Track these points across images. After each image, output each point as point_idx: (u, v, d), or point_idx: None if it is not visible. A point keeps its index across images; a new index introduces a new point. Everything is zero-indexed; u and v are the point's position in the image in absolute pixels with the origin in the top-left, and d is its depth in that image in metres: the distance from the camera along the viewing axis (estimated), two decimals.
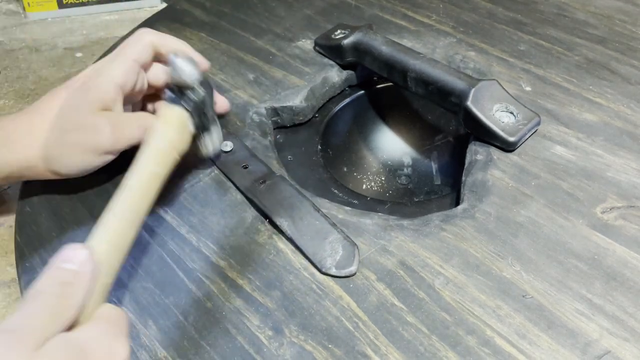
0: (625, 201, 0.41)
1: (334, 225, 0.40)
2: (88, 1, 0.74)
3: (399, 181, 0.58)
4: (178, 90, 0.39)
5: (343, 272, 0.37)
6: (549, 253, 0.38)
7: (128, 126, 0.41)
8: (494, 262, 0.37)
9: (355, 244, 0.39)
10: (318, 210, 0.41)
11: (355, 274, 0.37)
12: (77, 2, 0.73)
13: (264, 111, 0.51)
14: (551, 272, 0.37)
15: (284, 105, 0.52)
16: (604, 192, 0.42)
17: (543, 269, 0.37)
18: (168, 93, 0.40)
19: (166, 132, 0.38)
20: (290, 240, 0.39)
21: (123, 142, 0.40)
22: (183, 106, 0.39)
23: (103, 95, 0.40)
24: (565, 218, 0.40)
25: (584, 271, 0.37)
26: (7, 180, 0.41)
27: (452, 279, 0.37)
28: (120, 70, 0.41)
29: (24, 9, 0.73)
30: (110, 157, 0.41)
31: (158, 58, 0.44)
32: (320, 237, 0.39)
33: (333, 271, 0.37)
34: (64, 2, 0.72)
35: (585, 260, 0.37)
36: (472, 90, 0.46)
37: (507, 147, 0.45)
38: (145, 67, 0.43)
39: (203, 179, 0.45)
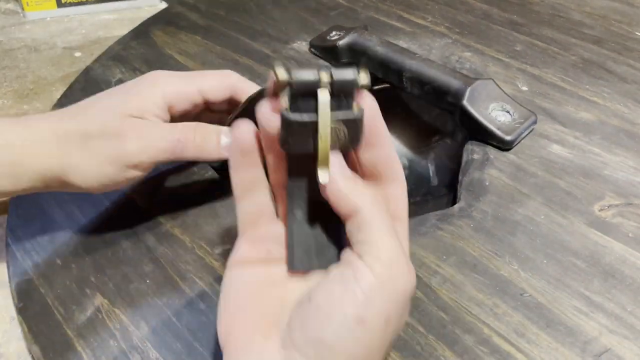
0: (622, 199, 0.41)
1: None
2: (87, 1, 0.74)
3: None
4: None
5: None
6: (546, 251, 0.37)
7: (158, 136, 0.35)
8: (491, 261, 0.37)
9: None
10: None
11: None
12: (76, 1, 0.73)
13: None
14: (549, 270, 0.36)
15: None
16: (602, 190, 0.41)
17: (541, 267, 0.36)
18: None
19: None
20: None
21: (150, 154, 0.35)
22: None
23: (145, 102, 0.36)
24: (562, 216, 0.40)
25: (582, 269, 0.36)
26: (23, 192, 0.36)
27: (449, 277, 0.36)
28: (176, 88, 0.37)
29: (22, 8, 0.73)
30: (135, 173, 0.36)
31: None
32: None
33: None
34: (63, 1, 0.72)
35: (584, 258, 0.37)
36: (468, 90, 0.46)
37: (504, 146, 0.45)
38: (211, 105, 0.39)
39: (198, 180, 0.44)
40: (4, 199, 0.43)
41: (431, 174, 0.58)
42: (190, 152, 0.36)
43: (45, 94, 0.60)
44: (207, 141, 0.37)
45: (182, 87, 0.37)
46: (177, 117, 0.38)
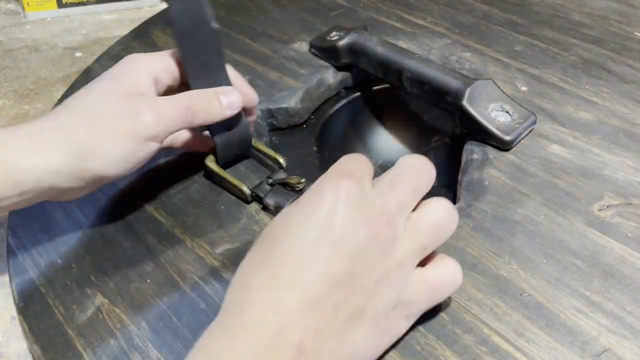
0: (622, 199, 0.41)
1: None
2: (87, 1, 0.74)
3: None
4: None
5: None
6: (546, 251, 0.37)
7: (169, 106, 0.37)
8: (490, 261, 0.37)
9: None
10: None
11: None
12: (77, 1, 0.73)
13: (259, 113, 0.51)
14: (549, 270, 0.36)
15: (279, 106, 0.52)
16: (601, 190, 0.41)
17: (540, 267, 0.37)
18: None
19: None
20: None
21: (166, 123, 0.37)
22: None
23: (137, 80, 0.37)
24: (562, 216, 0.40)
25: (581, 269, 0.36)
26: (34, 194, 0.34)
27: None
28: (156, 63, 0.39)
29: (23, 8, 0.73)
30: (153, 146, 0.37)
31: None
32: None
33: None
34: (64, 1, 0.73)
35: (583, 257, 0.37)
36: (468, 90, 0.46)
37: (503, 146, 0.45)
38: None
39: (197, 180, 0.44)
40: (4, 212, 0.41)
41: None
42: (199, 117, 0.38)
43: (46, 94, 0.61)
44: (211, 104, 0.39)
45: (162, 62, 0.39)
46: (161, 94, 0.39)
